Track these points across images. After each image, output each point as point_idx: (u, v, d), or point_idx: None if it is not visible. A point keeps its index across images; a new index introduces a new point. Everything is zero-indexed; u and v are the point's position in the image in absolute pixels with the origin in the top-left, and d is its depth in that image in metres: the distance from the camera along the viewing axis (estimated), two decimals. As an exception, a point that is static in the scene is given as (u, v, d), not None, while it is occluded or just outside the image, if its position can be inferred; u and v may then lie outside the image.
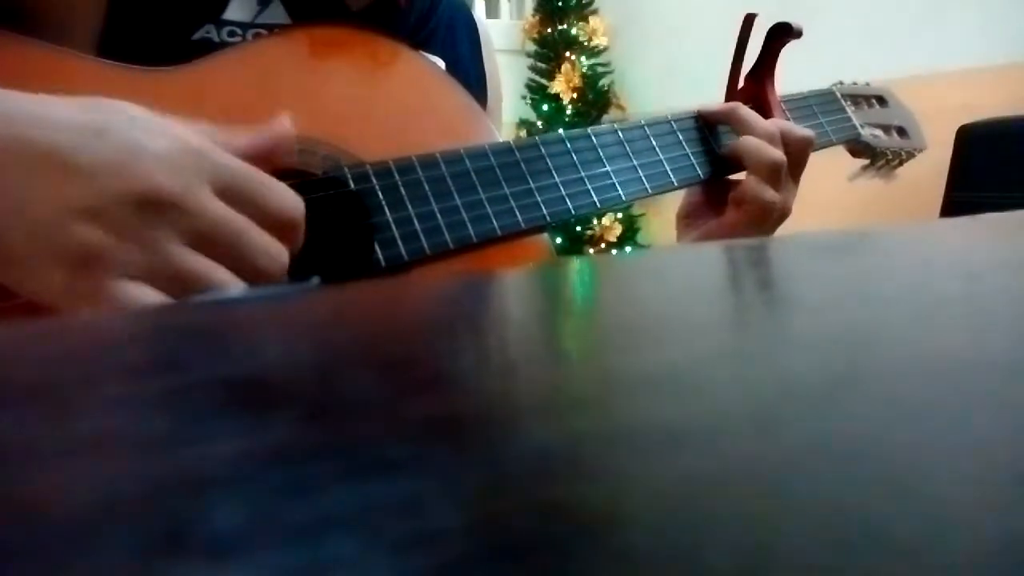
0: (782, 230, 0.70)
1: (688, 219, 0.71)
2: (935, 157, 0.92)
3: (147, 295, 0.37)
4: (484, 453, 0.10)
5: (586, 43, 2.81)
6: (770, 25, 0.71)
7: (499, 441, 0.11)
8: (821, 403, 0.11)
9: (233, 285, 0.39)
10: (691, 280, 0.24)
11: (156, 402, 0.13)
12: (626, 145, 0.63)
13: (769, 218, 0.66)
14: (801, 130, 0.68)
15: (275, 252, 0.40)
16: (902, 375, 0.12)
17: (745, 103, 0.72)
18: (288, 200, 0.41)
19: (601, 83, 2.82)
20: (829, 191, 2.13)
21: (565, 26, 2.80)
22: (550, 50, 2.83)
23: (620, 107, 2.84)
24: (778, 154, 0.65)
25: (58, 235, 0.35)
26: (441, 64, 0.63)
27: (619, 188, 0.61)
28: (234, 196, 0.39)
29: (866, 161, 0.86)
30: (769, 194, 0.65)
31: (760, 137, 0.65)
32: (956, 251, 0.28)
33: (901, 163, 0.88)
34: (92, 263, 0.36)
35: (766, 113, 0.72)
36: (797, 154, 0.67)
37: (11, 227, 0.35)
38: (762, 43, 0.72)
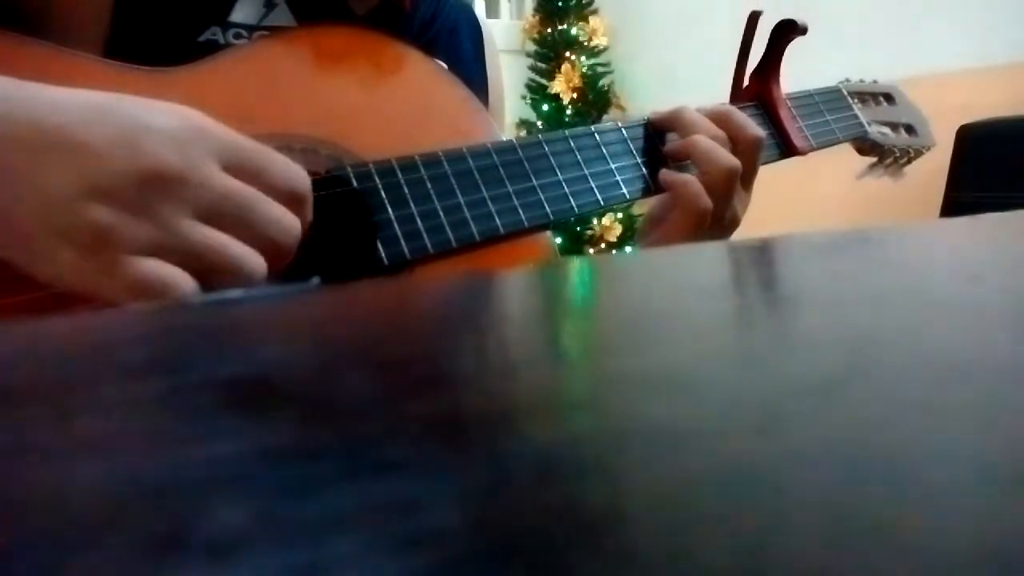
0: (782, 229, 0.68)
1: (653, 222, 0.67)
2: (935, 157, 0.92)
3: (162, 269, 0.37)
4: (484, 453, 0.10)
5: (586, 43, 2.81)
6: (775, 22, 0.71)
7: (499, 441, 0.11)
8: (821, 403, 0.11)
9: (248, 257, 0.39)
10: (691, 280, 0.24)
11: (156, 402, 0.13)
12: (629, 143, 0.63)
13: (705, 228, 0.60)
14: (752, 129, 0.63)
15: (287, 223, 0.40)
16: (902, 375, 0.12)
17: (750, 101, 0.71)
18: (294, 174, 0.41)
19: (601, 83, 2.82)
20: (829, 191, 2.13)
21: (565, 26, 2.80)
22: (550, 50, 2.82)
23: (620, 107, 2.84)
24: (734, 160, 0.61)
25: (68, 215, 0.35)
26: (445, 67, 0.63)
27: (623, 186, 0.61)
28: (241, 171, 0.39)
29: (874, 159, 0.85)
30: (704, 201, 0.60)
31: (710, 139, 0.61)
32: (956, 251, 0.28)
33: (909, 161, 0.86)
34: (103, 242, 0.36)
35: (771, 111, 0.71)
36: (747, 152, 0.63)
37: (22, 208, 0.35)
38: (767, 40, 0.71)
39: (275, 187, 0.40)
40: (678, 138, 0.63)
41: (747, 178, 0.64)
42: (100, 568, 0.07)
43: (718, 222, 0.61)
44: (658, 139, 0.64)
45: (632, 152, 0.63)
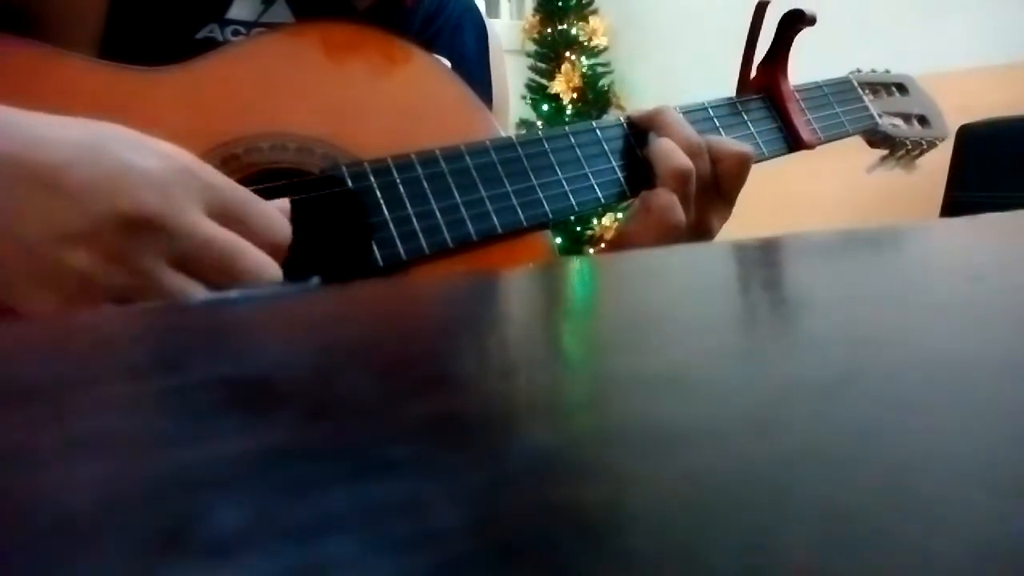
0: (782, 229, 0.68)
1: (626, 221, 0.65)
2: (935, 157, 0.92)
3: None
4: (484, 453, 0.10)
5: (586, 43, 2.81)
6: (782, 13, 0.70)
7: (499, 441, 0.11)
8: (821, 403, 0.11)
9: None
10: (691, 280, 0.24)
11: (156, 402, 0.13)
12: (631, 139, 0.62)
13: (675, 234, 0.58)
14: (735, 145, 0.61)
15: (268, 274, 0.40)
16: (902, 375, 0.12)
17: (757, 93, 0.70)
18: (275, 224, 0.41)
19: (601, 83, 2.82)
20: (829, 191, 2.13)
21: (565, 26, 2.80)
22: (550, 50, 2.82)
23: (620, 107, 2.84)
24: (685, 161, 0.59)
25: (49, 260, 0.35)
26: (447, 64, 0.62)
27: (624, 183, 0.60)
28: (224, 216, 0.39)
29: (885, 152, 0.83)
30: (676, 208, 0.58)
31: (677, 142, 0.59)
32: (956, 251, 0.28)
33: (922, 153, 0.84)
34: (83, 288, 0.36)
35: (779, 103, 0.70)
36: (729, 172, 0.61)
37: (1, 247, 0.35)
38: (775, 31, 0.70)
39: (256, 235, 0.40)
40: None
41: (728, 195, 0.62)
42: (100, 568, 0.07)
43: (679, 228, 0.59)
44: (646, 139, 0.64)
45: (635, 148, 0.62)
